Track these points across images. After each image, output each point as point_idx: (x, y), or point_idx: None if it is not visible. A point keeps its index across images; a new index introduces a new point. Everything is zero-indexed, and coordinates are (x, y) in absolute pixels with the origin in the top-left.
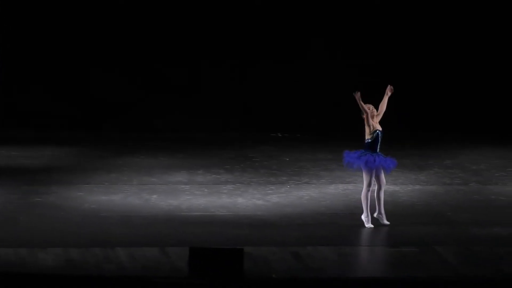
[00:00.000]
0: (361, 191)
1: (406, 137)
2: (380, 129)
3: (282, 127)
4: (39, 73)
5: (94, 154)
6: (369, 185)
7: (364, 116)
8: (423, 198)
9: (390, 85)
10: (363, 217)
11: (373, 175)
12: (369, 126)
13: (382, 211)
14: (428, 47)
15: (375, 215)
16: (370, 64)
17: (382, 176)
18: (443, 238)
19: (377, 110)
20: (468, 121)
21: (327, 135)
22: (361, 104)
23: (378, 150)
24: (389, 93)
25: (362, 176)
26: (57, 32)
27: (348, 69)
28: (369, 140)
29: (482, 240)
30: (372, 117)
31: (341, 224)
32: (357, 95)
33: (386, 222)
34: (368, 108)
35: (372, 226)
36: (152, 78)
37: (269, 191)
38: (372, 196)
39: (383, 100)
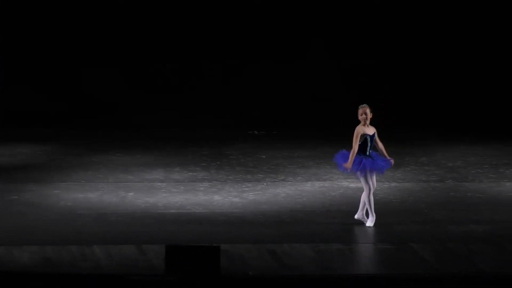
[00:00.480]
0: (338, 188)
1: (381, 135)
2: (371, 133)
3: (258, 125)
4: (16, 71)
5: (70, 152)
6: (368, 188)
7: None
8: (399, 195)
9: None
10: (370, 222)
11: (368, 177)
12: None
13: (363, 212)
14: (406, 44)
15: (356, 216)
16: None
17: (374, 178)
18: (419, 235)
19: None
20: (444, 118)
21: (304, 132)
22: (356, 144)
23: (368, 152)
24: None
25: (338, 173)
26: (35, 28)
27: (326, 66)
28: (359, 143)
29: (458, 237)
30: (364, 124)
31: (317, 221)
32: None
33: (370, 224)
34: (357, 134)
35: (372, 225)
36: (129, 76)
37: (246, 189)
38: (359, 196)
39: (382, 148)
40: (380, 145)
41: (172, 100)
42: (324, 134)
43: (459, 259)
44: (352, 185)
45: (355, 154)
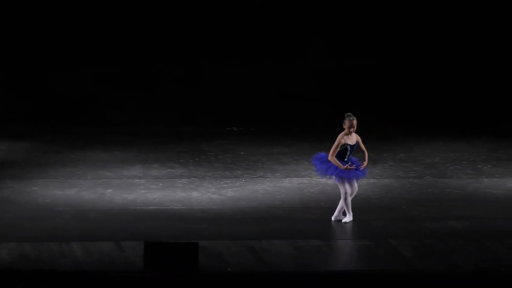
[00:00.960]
0: (317, 184)
1: (360, 131)
2: (352, 143)
3: (237, 121)
4: None
5: (49, 148)
6: (344, 191)
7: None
8: (378, 192)
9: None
10: (347, 219)
11: (346, 182)
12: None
13: (340, 213)
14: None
15: (333, 217)
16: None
17: (355, 183)
18: (398, 232)
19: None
20: (422, 114)
21: (282, 128)
22: (336, 150)
23: (347, 159)
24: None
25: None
26: (10, 24)
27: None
28: (338, 150)
29: (437, 233)
30: (348, 133)
31: (296, 218)
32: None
33: (346, 220)
34: (341, 140)
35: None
36: (107, 71)
37: (224, 185)
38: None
39: (365, 154)
40: (365, 152)
41: (150, 97)
42: (302, 131)
43: (437, 255)
44: (331, 181)
45: (334, 159)
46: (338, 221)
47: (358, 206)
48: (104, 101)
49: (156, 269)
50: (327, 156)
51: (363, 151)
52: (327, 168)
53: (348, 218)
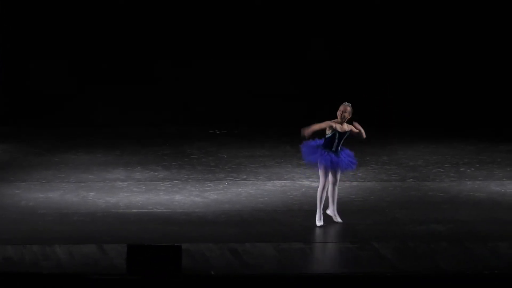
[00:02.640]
0: (300, 187)
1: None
2: (341, 131)
3: (219, 124)
4: None
5: (31, 150)
6: (324, 183)
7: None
8: (361, 194)
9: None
10: (317, 216)
11: (328, 174)
12: (331, 126)
13: (335, 207)
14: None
15: (328, 211)
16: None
17: (338, 174)
18: (381, 234)
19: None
20: (404, 117)
21: (265, 131)
22: (319, 127)
23: (335, 148)
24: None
25: (299, 173)
26: None
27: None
28: (327, 135)
29: (420, 236)
30: (342, 123)
31: (279, 220)
32: (306, 132)
33: (339, 220)
34: (335, 122)
35: (322, 223)
36: (89, 72)
37: (207, 188)
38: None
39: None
40: (356, 126)
41: (132, 98)
42: (285, 133)
43: (420, 257)
44: (314, 184)
45: (313, 129)
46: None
47: (341, 209)
48: (86, 103)
49: (139, 272)
50: (318, 142)
51: (358, 130)
52: (311, 154)
53: (319, 220)
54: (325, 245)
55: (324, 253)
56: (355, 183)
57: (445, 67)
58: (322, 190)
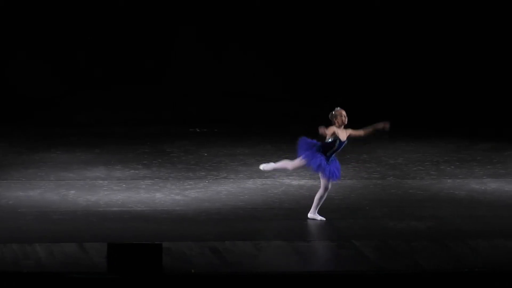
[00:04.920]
0: (280, 185)
1: None
2: (343, 139)
3: (199, 122)
4: None
5: (11, 149)
6: (325, 187)
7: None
8: (341, 192)
9: (386, 124)
10: (309, 215)
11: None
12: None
13: (316, 212)
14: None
15: (309, 215)
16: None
17: (330, 182)
18: (361, 232)
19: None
20: (384, 115)
21: (245, 129)
22: (326, 134)
23: (329, 154)
24: (381, 127)
25: (280, 171)
26: None
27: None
28: (328, 140)
29: (400, 234)
30: (340, 127)
31: (259, 219)
32: (322, 131)
33: (321, 218)
34: (333, 131)
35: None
36: (70, 72)
37: (188, 186)
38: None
39: (367, 130)
40: (365, 130)
41: (112, 97)
42: (265, 132)
43: (400, 256)
44: (294, 182)
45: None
46: (303, 220)
47: (321, 207)
48: (66, 102)
49: (120, 270)
50: (316, 142)
51: (365, 133)
52: (306, 150)
53: (316, 216)
54: (306, 244)
55: (305, 252)
56: (335, 181)
57: (425, 65)
58: (324, 193)
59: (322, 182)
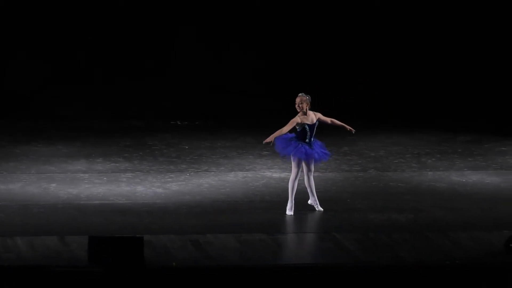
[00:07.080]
0: (261, 178)
1: None
2: (310, 122)
3: (180, 115)
4: None
5: None
6: (296, 174)
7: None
8: (322, 185)
9: (352, 129)
10: (289, 210)
11: (301, 165)
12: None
13: (315, 196)
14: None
15: (309, 202)
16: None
17: (312, 165)
18: (342, 225)
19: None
20: (365, 107)
21: (226, 122)
22: (286, 130)
23: (308, 140)
24: (347, 129)
25: (260, 164)
26: None
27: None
28: (298, 130)
29: (381, 227)
30: (307, 113)
31: (240, 211)
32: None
33: (320, 208)
34: (294, 122)
35: (292, 214)
36: (51, 66)
37: (169, 179)
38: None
39: (335, 122)
40: (333, 121)
41: (93, 91)
42: (246, 125)
43: (381, 248)
44: (275, 175)
45: (281, 134)
46: (283, 213)
47: (302, 200)
48: (47, 96)
49: (101, 263)
50: (290, 135)
51: (334, 124)
52: (286, 147)
53: (290, 209)
54: (287, 236)
55: (286, 244)
56: (316, 174)
57: (407, 58)
58: (294, 180)
59: (305, 168)
